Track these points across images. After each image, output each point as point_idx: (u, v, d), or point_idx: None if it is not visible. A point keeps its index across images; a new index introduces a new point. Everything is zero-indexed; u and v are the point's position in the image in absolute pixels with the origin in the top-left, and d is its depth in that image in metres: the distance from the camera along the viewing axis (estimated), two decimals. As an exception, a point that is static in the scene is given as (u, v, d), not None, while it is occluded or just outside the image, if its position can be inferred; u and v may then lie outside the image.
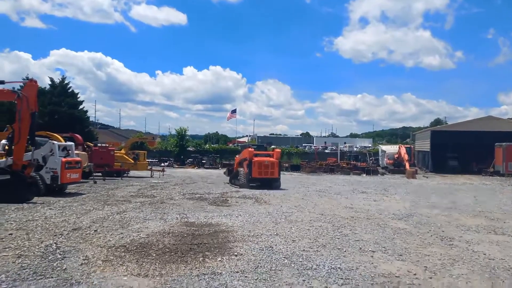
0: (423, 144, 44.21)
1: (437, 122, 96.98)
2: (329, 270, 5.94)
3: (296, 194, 16.62)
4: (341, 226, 9.59)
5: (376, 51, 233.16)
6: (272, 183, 19.17)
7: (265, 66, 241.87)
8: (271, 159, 19.70)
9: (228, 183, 22.02)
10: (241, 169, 20.45)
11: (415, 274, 5.92)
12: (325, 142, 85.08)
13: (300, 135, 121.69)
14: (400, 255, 7.02)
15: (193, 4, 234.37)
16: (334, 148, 60.45)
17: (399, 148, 38.60)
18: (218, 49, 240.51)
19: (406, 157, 35.24)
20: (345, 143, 78.54)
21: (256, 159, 19.28)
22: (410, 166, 34.05)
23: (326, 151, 58.54)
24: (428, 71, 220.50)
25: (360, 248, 7.43)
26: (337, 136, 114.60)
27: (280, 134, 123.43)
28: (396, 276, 5.81)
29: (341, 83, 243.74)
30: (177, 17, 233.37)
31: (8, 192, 11.91)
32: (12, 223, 8.68)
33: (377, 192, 18.65)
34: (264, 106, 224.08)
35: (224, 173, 26.80)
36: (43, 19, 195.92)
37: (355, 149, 62.99)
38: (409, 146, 43.97)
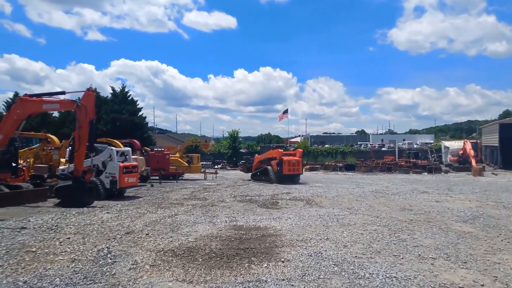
0: (491, 139, 40.84)
1: (507, 114, 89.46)
2: (383, 280, 5.50)
3: (349, 195, 15.98)
4: (398, 230, 8.98)
5: (435, 41, 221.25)
6: (295, 178, 22.36)
7: (315, 64, 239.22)
8: (296, 158, 22.69)
9: (249, 180, 24.47)
10: (269, 167, 22.92)
11: (482, 285, 5.33)
12: (382, 140, 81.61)
13: (355, 133, 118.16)
14: (465, 262, 6.39)
15: (242, 6, 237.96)
16: (391, 145, 57.85)
17: (464, 143, 36.10)
18: (268, 50, 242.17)
19: (472, 153, 32.86)
20: (404, 140, 74.70)
21: (285, 158, 22.19)
22: (476, 162, 31.81)
23: (383, 149, 56.09)
24: (494, 59, 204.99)
25: (419, 254, 6.86)
26: (395, 133, 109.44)
27: (334, 133, 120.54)
28: (459, 287, 5.26)
29: (397, 77, 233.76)
30: (227, 21, 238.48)
31: (70, 197, 12.66)
32: (71, 227, 9.14)
33: (439, 192, 17.42)
34: (316, 105, 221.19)
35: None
36: (103, 31, 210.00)
37: (415, 146, 59.84)
38: (475, 141, 41.01)
